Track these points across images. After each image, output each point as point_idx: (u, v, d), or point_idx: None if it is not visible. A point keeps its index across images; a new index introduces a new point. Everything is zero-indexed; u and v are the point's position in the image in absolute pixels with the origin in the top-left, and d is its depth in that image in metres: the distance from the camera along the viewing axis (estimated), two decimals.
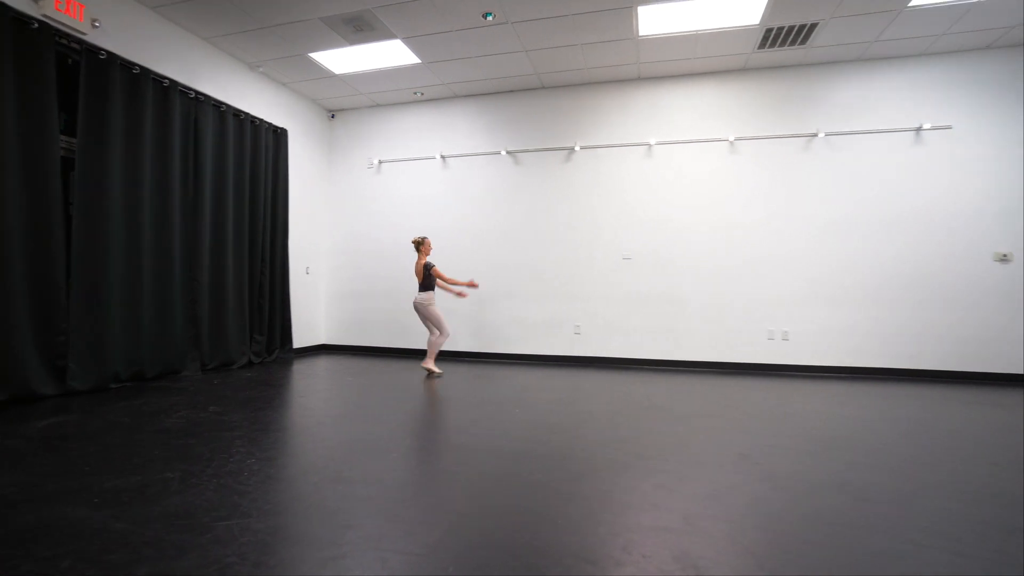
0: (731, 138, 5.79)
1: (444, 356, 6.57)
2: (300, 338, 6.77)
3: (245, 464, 2.51)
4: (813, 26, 4.90)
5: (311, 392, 4.42)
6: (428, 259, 5.32)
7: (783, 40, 5.16)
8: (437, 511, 2.01)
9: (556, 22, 4.89)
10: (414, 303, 5.26)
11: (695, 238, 5.91)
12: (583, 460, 2.66)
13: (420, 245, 5.35)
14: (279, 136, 6.30)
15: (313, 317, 7.08)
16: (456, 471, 2.48)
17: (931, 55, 5.41)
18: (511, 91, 6.53)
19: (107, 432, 3.03)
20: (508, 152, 6.50)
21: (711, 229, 5.87)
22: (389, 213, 6.99)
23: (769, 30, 4.98)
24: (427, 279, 5.22)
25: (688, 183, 5.95)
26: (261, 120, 5.97)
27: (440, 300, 5.58)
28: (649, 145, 6.05)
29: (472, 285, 5.50)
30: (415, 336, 6.76)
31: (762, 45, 5.26)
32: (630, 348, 6.06)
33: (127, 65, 4.45)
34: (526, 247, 6.42)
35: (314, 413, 3.65)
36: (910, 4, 4.52)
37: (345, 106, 7.12)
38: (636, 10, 4.67)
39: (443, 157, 6.76)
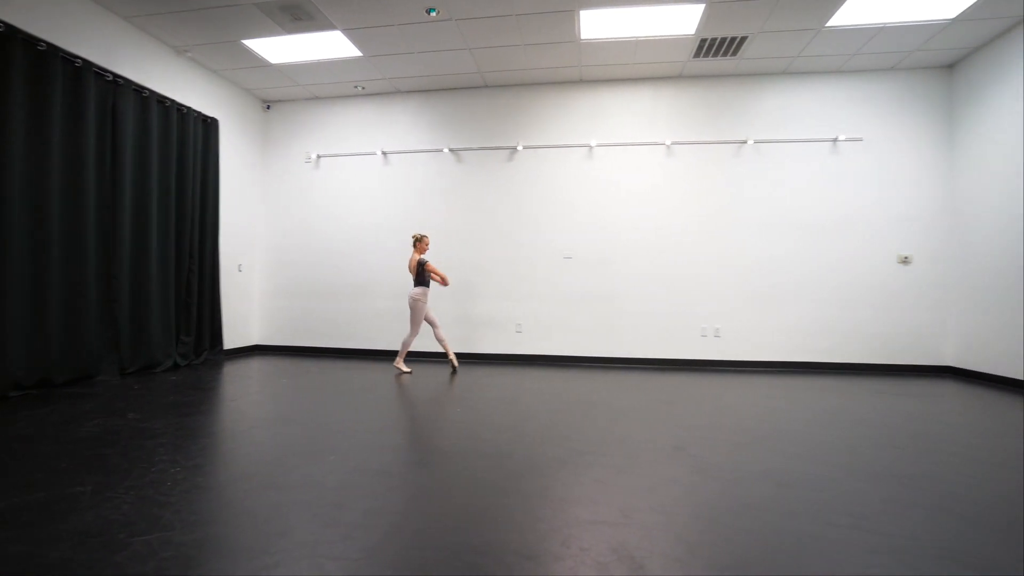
0: (668, 142, 6.01)
1: (384, 356, 6.45)
2: (231, 339, 6.44)
3: (168, 474, 2.36)
4: (743, 39, 5.16)
5: (243, 395, 4.21)
6: (423, 256, 5.37)
7: (716, 51, 5.40)
8: (376, 514, 1.97)
9: (500, 21, 4.91)
10: (409, 298, 5.34)
11: (634, 238, 6.09)
12: (524, 458, 2.68)
13: (418, 242, 5.38)
14: (209, 126, 5.97)
15: (246, 317, 6.75)
16: (396, 472, 2.44)
17: (845, 72, 5.83)
18: (454, 88, 6.49)
19: (3, 446, 2.76)
20: (451, 150, 6.45)
21: (649, 230, 6.07)
22: (328, 209, 6.78)
23: (704, 40, 5.20)
24: (420, 275, 5.29)
25: (627, 185, 6.13)
26: (189, 108, 5.63)
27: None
28: (590, 147, 6.18)
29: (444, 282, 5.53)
30: (357, 336, 6.61)
31: (697, 54, 5.49)
32: (571, 346, 6.17)
33: (31, 41, 4.07)
34: (468, 245, 6.41)
35: (246, 417, 3.48)
36: (827, 24, 4.85)
37: (282, 97, 6.84)
38: (578, 14, 4.76)
39: (384, 153, 6.63)
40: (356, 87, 6.48)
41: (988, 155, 5.16)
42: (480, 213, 6.40)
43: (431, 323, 5.42)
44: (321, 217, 6.79)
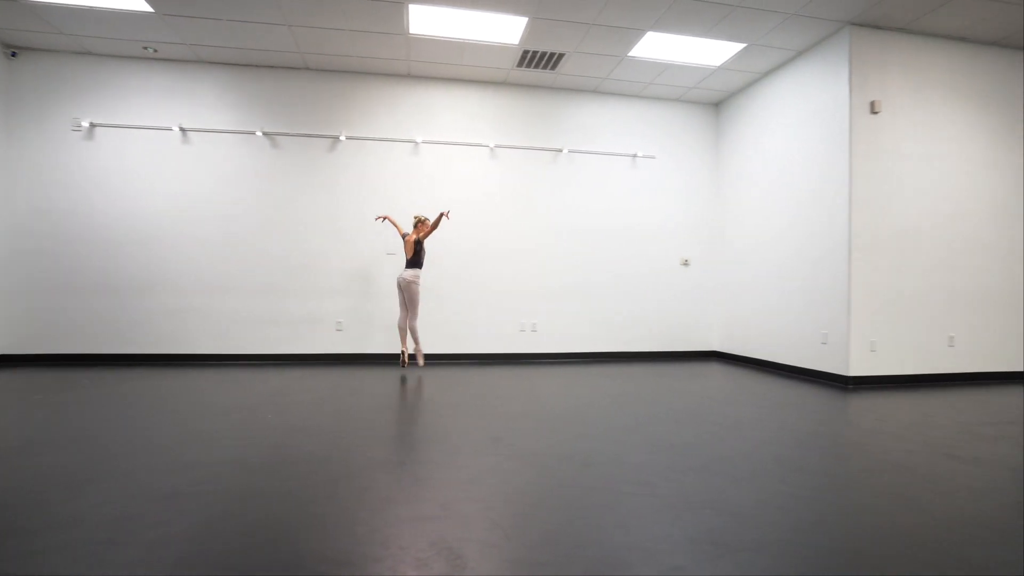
0: (492, 145, 6.27)
1: (186, 361, 5.65)
2: None
3: None
4: (561, 55, 5.60)
5: None
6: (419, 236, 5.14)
7: (538, 63, 5.78)
8: (163, 545, 1.73)
9: (323, 1, 4.61)
10: (403, 281, 5.12)
11: (457, 236, 6.23)
12: (341, 462, 2.58)
13: (421, 223, 5.20)
14: None
15: None
16: (190, 493, 2.17)
17: (644, 97, 6.70)
18: (271, 67, 5.93)
19: None
20: (264, 133, 5.89)
21: (472, 228, 6.27)
22: (107, 189, 5.67)
23: (526, 52, 5.52)
24: (417, 255, 5.14)
25: (452, 183, 6.24)
26: None
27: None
28: (416, 143, 6.16)
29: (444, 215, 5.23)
30: (137, 339, 5.66)
31: (520, 64, 5.81)
32: (393, 343, 6.09)
33: None
34: (285, 238, 5.93)
35: None
36: (629, 54, 5.51)
37: (36, 44, 5.52)
38: (407, 7, 4.70)
39: (183, 130, 5.78)
40: (146, 48, 5.53)
41: (740, 177, 6.36)
42: (298, 204, 5.96)
43: (408, 310, 5.20)
44: (97, 197, 5.65)
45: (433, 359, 6.13)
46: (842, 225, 4.90)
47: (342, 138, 5.99)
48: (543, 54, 5.57)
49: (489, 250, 6.30)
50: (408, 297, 5.17)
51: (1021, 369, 5.37)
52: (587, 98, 6.57)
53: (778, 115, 5.76)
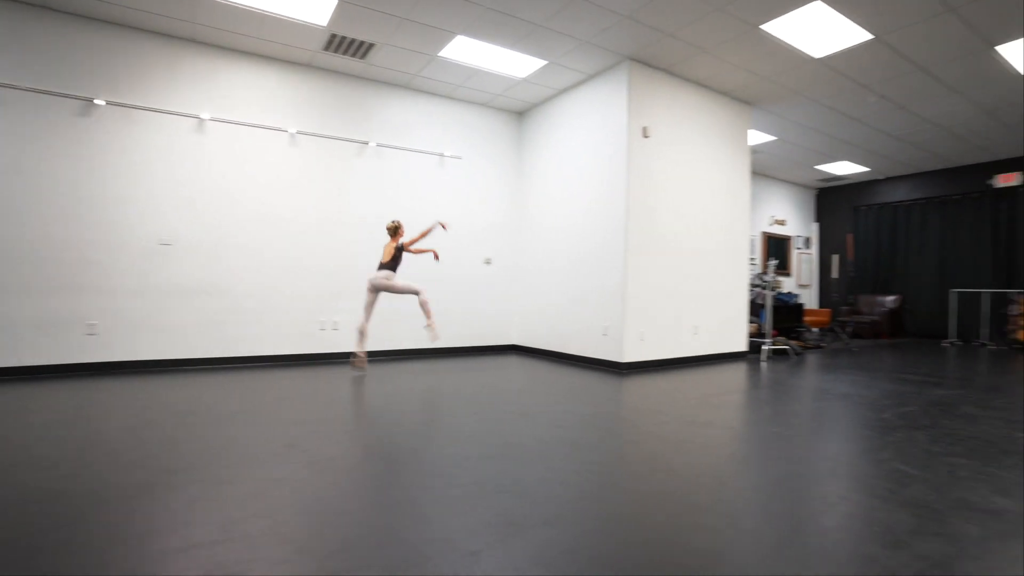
0: (293, 131, 5.79)
1: None
2: None
3: None
4: (371, 45, 5.41)
5: None
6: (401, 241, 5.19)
7: (346, 49, 5.50)
8: None
9: None
10: (378, 282, 5.11)
11: (252, 226, 5.63)
12: (86, 494, 2.14)
13: (396, 231, 5.28)
14: None
15: None
16: None
17: (454, 99, 6.85)
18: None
19: None
20: None
21: (269, 219, 5.72)
22: None
23: (334, 35, 5.21)
24: (394, 260, 5.21)
25: (247, 168, 5.61)
26: None
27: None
28: (201, 119, 5.39)
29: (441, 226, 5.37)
30: None
31: (328, 47, 5.47)
32: (169, 347, 5.25)
33: None
34: (17, 222, 4.67)
35: None
36: (440, 54, 5.58)
37: None
38: None
39: None
40: None
41: (538, 183, 6.92)
42: (37, 181, 4.73)
43: (368, 314, 5.22)
44: None
45: (222, 363, 5.44)
46: (620, 231, 5.66)
47: (99, 102, 4.92)
48: (352, 41, 5.32)
49: (288, 243, 5.81)
50: (391, 290, 5.19)
51: (743, 349, 6.84)
52: (398, 93, 6.47)
53: (572, 130, 6.40)
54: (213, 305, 5.43)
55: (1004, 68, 5.61)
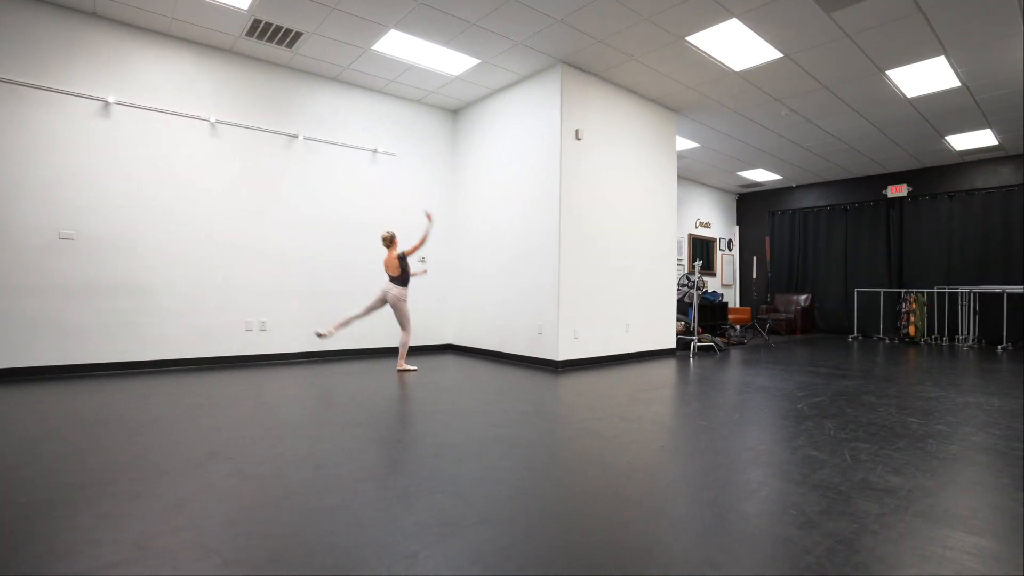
0: (213, 119, 5.45)
1: None
2: None
3: None
4: (299, 34, 5.20)
5: None
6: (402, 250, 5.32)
7: (271, 36, 5.25)
8: None
9: None
10: (391, 297, 5.25)
11: (168, 221, 5.25)
12: None
13: (392, 241, 5.34)
14: None
15: None
16: None
17: (387, 94, 6.71)
18: None
19: None
20: None
21: (190, 213, 5.36)
22: None
23: (258, 21, 4.96)
24: (404, 273, 5.24)
25: (162, 158, 5.22)
26: None
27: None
28: (107, 102, 4.96)
29: (428, 218, 5.42)
30: None
31: (251, 33, 5.19)
32: (71, 351, 4.81)
33: None
34: None
35: None
36: (372, 47, 5.45)
37: None
38: None
39: None
40: None
41: (474, 182, 6.91)
42: None
43: (364, 313, 5.33)
44: None
45: (137, 367, 5.03)
46: (553, 231, 5.75)
47: None
48: (278, 28, 5.09)
49: (209, 239, 5.46)
50: (401, 313, 5.30)
51: (672, 346, 7.14)
52: (327, 85, 6.25)
53: (507, 129, 6.44)
54: (125, 305, 5.02)
55: (893, 91, 6.20)
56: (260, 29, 5.11)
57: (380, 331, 6.62)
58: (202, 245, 5.43)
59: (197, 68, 5.42)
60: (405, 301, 5.34)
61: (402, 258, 5.28)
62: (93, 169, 4.90)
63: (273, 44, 5.42)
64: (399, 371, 5.36)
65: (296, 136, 5.97)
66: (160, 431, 3.05)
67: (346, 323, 5.31)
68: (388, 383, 4.73)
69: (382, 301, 5.32)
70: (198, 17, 4.92)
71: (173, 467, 2.45)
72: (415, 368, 5.54)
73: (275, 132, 5.85)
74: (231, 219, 5.59)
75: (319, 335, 5.15)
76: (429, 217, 5.39)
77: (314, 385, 4.58)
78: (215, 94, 5.51)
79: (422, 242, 5.27)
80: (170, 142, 5.27)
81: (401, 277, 5.29)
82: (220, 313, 5.53)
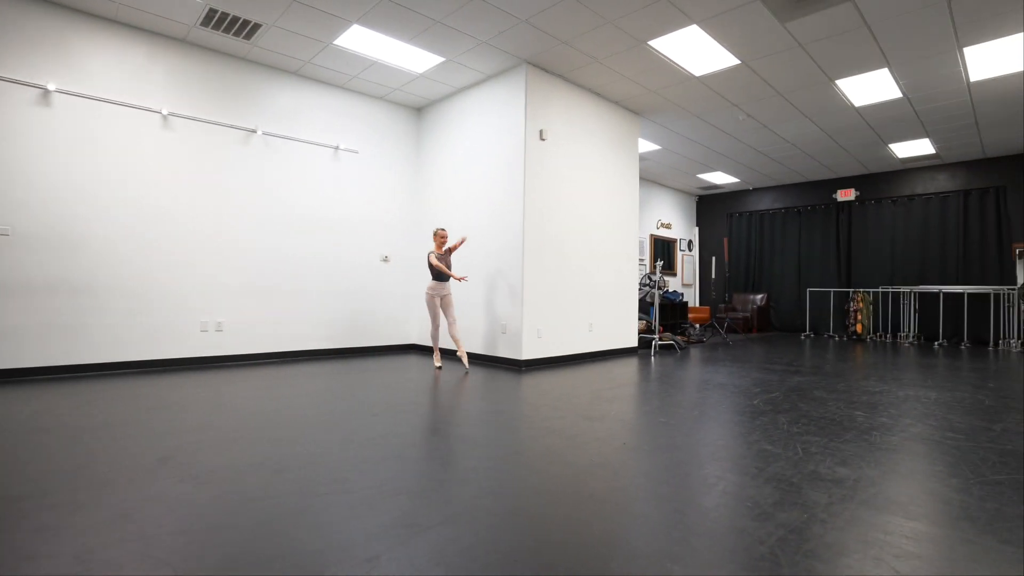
0: (164, 111, 5.23)
1: None
2: None
3: None
4: (258, 25, 5.04)
5: None
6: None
7: (228, 27, 5.08)
8: None
9: None
10: (445, 295, 5.52)
11: (118, 216, 5.02)
12: None
13: (443, 235, 5.60)
14: None
15: None
16: None
17: (349, 90, 6.58)
18: None
19: None
20: None
21: (138, 209, 5.13)
22: None
23: (214, 11, 4.79)
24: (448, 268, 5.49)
25: (109, 151, 4.98)
26: None
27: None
28: (47, 90, 4.70)
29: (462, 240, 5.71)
30: None
31: (206, 23, 5.01)
32: (11, 354, 4.53)
33: None
34: None
35: None
36: (335, 42, 5.34)
37: None
38: None
39: None
40: None
41: (438, 181, 6.87)
42: None
43: (447, 318, 5.57)
44: None
45: (82, 371, 4.78)
46: (518, 231, 5.77)
47: None
48: (235, 19, 4.92)
49: (162, 237, 5.24)
50: (447, 304, 5.53)
51: (634, 345, 7.27)
52: (287, 79, 6.09)
53: (471, 128, 6.41)
54: (69, 305, 4.76)
55: (842, 100, 6.49)
56: (216, 19, 4.94)
57: (338, 330, 6.49)
58: (153, 242, 5.20)
59: (148, 58, 5.19)
60: (427, 294, 5.59)
61: (441, 258, 5.56)
62: (30, 160, 4.62)
63: (230, 35, 5.24)
64: (464, 355, 5.62)
65: (254, 131, 5.79)
66: (106, 437, 2.91)
67: (438, 344, 5.75)
68: (347, 383, 4.65)
69: (436, 303, 5.58)
70: (148, 3, 4.71)
71: (120, 475, 2.35)
72: (440, 365, 5.73)
73: (232, 126, 5.66)
74: (185, 216, 5.38)
75: (438, 368, 5.57)
76: (463, 240, 5.70)
77: (271, 387, 4.45)
78: (168, 85, 5.30)
79: (460, 244, 5.66)
80: (118, 134, 5.03)
81: (446, 275, 5.55)
82: (173, 313, 5.31)
